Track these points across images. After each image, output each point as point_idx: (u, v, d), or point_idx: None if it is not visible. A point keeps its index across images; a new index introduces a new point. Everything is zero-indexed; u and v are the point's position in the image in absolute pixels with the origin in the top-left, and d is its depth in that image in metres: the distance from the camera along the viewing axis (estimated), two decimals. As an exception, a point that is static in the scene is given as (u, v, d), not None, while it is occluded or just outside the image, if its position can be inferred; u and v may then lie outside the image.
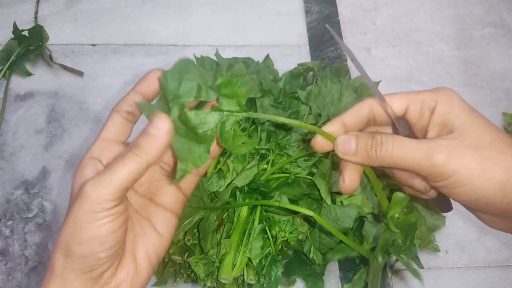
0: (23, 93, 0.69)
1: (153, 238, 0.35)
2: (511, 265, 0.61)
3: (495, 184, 0.30)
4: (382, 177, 0.55)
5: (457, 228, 0.63)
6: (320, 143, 0.34)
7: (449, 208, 0.37)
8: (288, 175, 0.54)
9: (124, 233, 0.32)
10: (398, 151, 0.32)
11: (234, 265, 0.50)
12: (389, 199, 0.53)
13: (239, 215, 0.52)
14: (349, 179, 0.34)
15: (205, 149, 0.31)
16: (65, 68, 0.70)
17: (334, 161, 0.54)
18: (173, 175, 0.36)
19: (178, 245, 0.52)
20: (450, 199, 0.36)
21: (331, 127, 0.34)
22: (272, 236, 0.53)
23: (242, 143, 0.32)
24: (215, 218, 0.52)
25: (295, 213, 0.55)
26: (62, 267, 0.30)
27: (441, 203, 0.37)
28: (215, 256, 0.50)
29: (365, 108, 0.35)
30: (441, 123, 0.33)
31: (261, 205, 0.54)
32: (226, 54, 0.72)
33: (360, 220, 0.53)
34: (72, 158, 0.65)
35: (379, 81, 0.63)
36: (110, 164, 0.30)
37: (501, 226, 0.36)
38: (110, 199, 0.29)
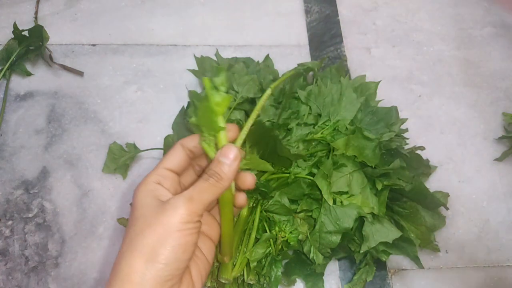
0: (23, 93, 0.69)
1: (201, 260, 0.40)
2: (511, 265, 0.61)
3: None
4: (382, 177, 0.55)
5: (457, 228, 0.63)
6: None
7: None
8: (288, 175, 0.54)
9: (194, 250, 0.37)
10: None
11: (234, 265, 0.50)
12: (390, 199, 0.53)
13: (239, 215, 0.52)
14: None
15: (220, 121, 0.37)
16: (65, 68, 0.70)
17: (334, 161, 0.54)
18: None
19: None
20: None
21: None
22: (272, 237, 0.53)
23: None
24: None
25: (295, 213, 0.55)
26: (142, 274, 0.33)
27: None
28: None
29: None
30: None
31: (261, 205, 0.54)
32: (226, 54, 0.72)
33: (360, 220, 0.53)
34: (72, 158, 0.65)
35: (379, 81, 0.63)
36: (196, 186, 0.36)
37: None
38: (198, 214, 0.35)
